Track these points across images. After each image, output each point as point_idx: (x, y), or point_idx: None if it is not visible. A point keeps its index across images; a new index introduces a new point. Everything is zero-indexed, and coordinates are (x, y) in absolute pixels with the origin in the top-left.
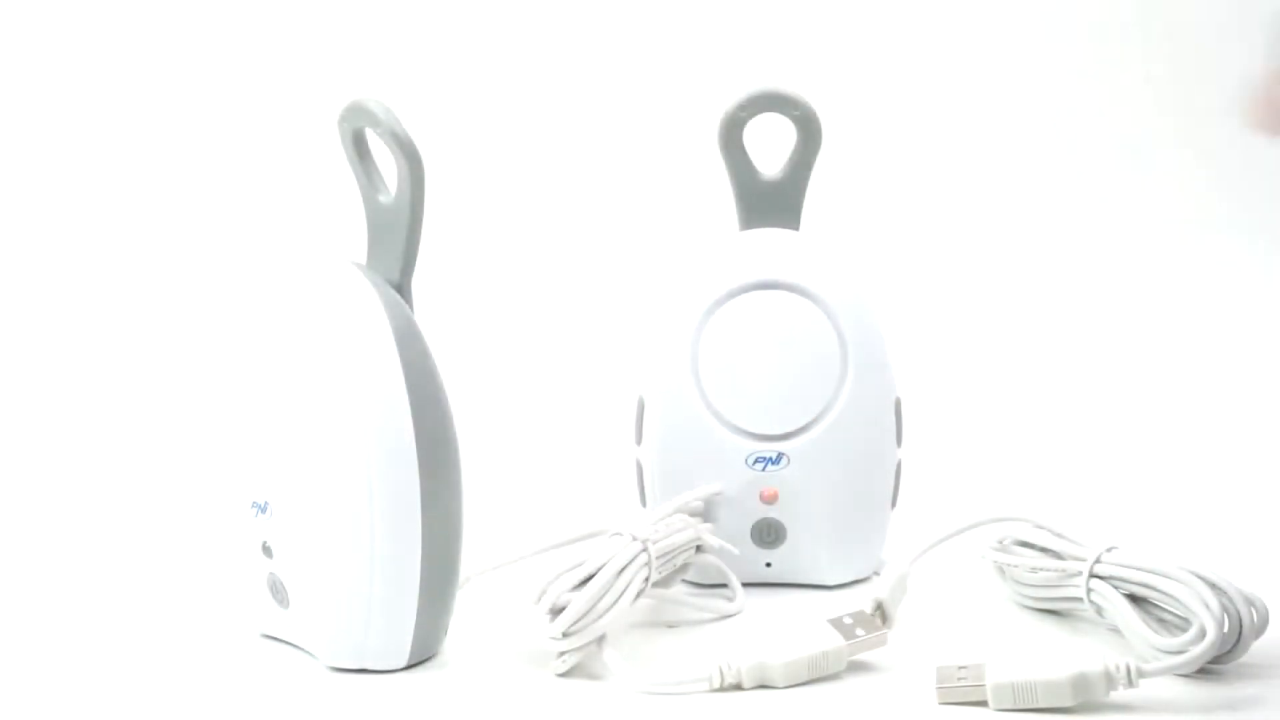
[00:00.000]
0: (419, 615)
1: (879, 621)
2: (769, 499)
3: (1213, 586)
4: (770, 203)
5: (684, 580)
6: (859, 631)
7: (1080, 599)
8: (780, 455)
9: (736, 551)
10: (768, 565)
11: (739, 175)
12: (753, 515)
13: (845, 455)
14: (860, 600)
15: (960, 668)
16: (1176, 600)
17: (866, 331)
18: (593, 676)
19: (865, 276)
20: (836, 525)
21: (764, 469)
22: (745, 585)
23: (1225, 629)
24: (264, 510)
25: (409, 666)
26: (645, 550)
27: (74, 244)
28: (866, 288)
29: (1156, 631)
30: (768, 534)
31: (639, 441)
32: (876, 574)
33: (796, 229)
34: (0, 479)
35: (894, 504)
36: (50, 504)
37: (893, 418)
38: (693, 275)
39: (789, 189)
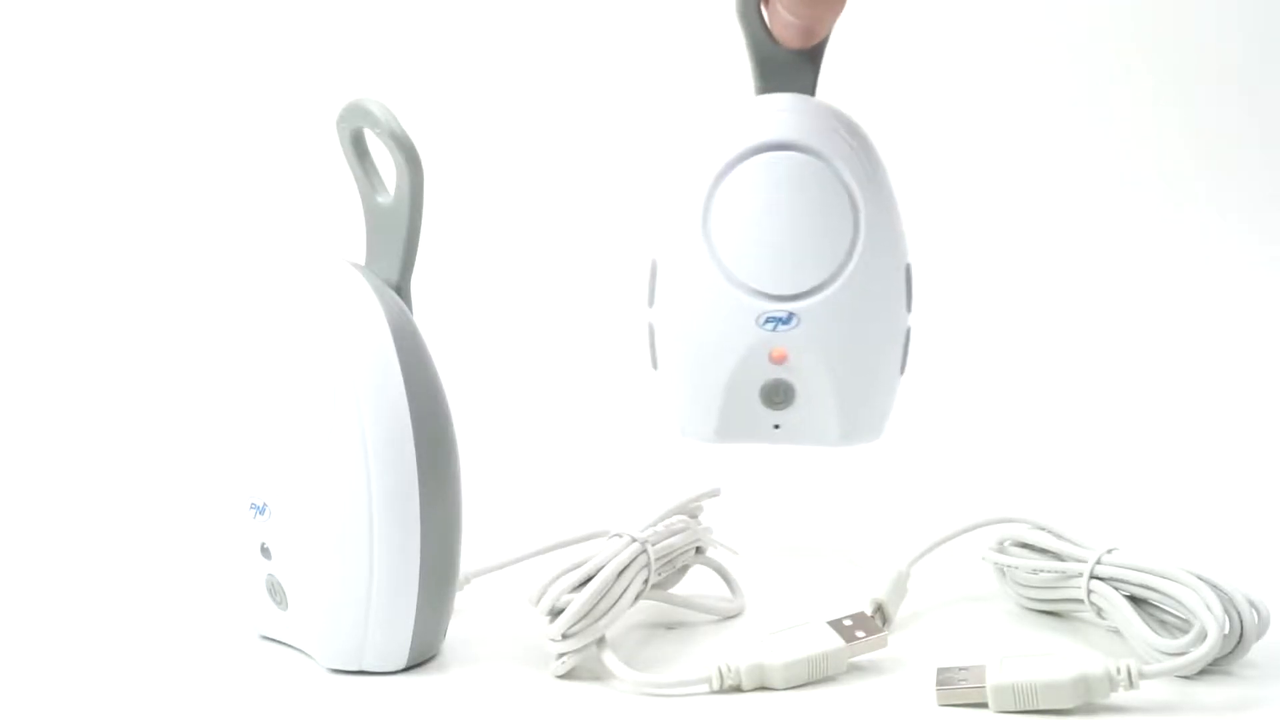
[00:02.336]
0: (418, 617)
1: (879, 623)
2: (779, 359)
3: (1214, 588)
4: (787, 69)
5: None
6: (859, 633)
7: (1081, 600)
8: (791, 315)
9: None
10: (776, 427)
11: (756, 41)
12: (763, 375)
13: (856, 317)
14: (860, 602)
15: (960, 669)
16: (1177, 602)
17: (879, 194)
18: (592, 678)
19: (879, 140)
20: (845, 387)
21: (774, 329)
22: (753, 445)
23: (1227, 630)
24: (262, 512)
25: (408, 668)
26: (645, 551)
27: (73, 244)
28: (879, 151)
29: (1157, 633)
30: (777, 395)
31: (650, 303)
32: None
33: (813, 95)
34: None
35: (903, 370)
36: (49, 505)
37: (903, 282)
38: (706, 137)
39: (805, 54)
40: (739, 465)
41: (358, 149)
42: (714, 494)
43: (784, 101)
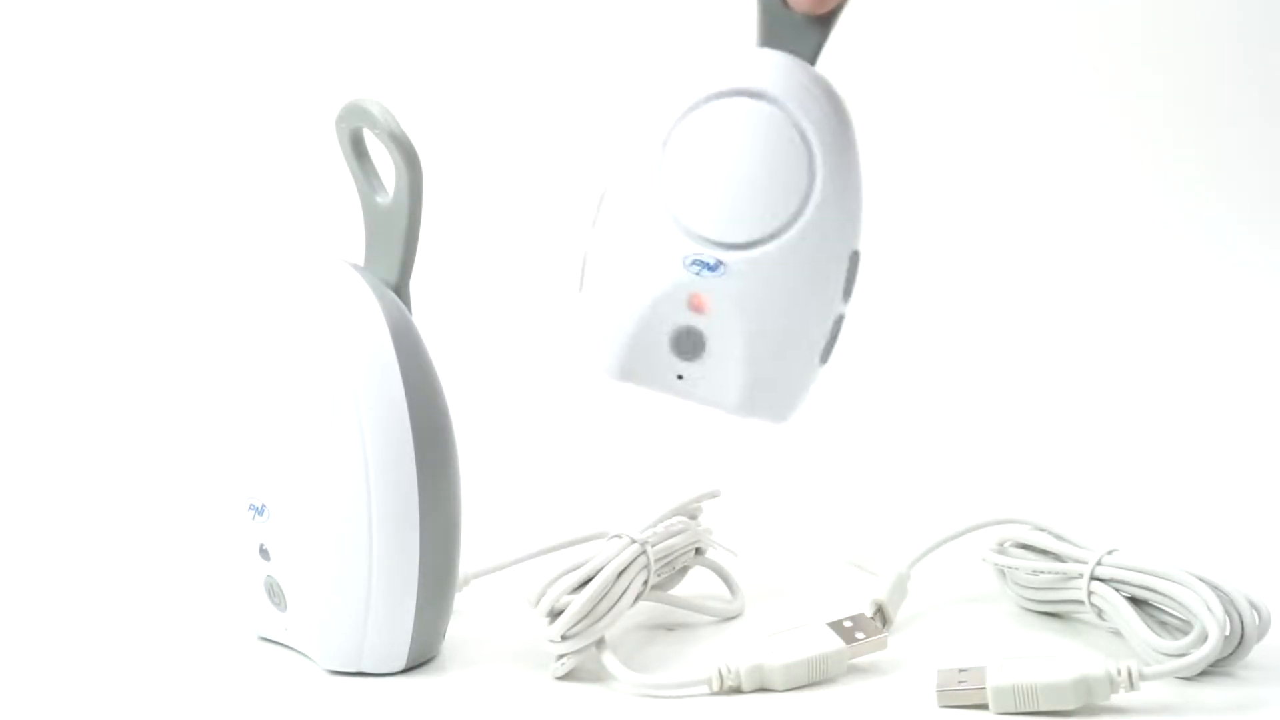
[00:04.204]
0: (417, 618)
1: (879, 624)
2: (697, 307)
3: (1215, 589)
4: (791, 34)
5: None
6: (859, 634)
7: (1081, 601)
8: (719, 263)
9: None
10: (679, 378)
11: (766, 3)
12: (677, 321)
13: (785, 284)
14: (860, 603)
15: (961, 670)
16: (1178, 603)
17: (842, 172)
18: (592, 679)
19: (871, 123)
20: (757, 355)
21: (699, 273)
22: (647, 391)
23: (1227, 632)
24: (261, 513)
25: (407, 670)
26: (644, 553)
27: (71, 244)
28: (855, 132)
29: (1158, 634)
30: (687, 344)
31: (592, 226)
32: (783, 421)
33: (812, 63)
34: None
35: (825, 359)
36: (47, 506)
37: (846, 266)
38: (684, 77)
39: (814, 22)
40: (739, 466)
41: (356, 149)
42: (713, 495)
43: (773, 57)
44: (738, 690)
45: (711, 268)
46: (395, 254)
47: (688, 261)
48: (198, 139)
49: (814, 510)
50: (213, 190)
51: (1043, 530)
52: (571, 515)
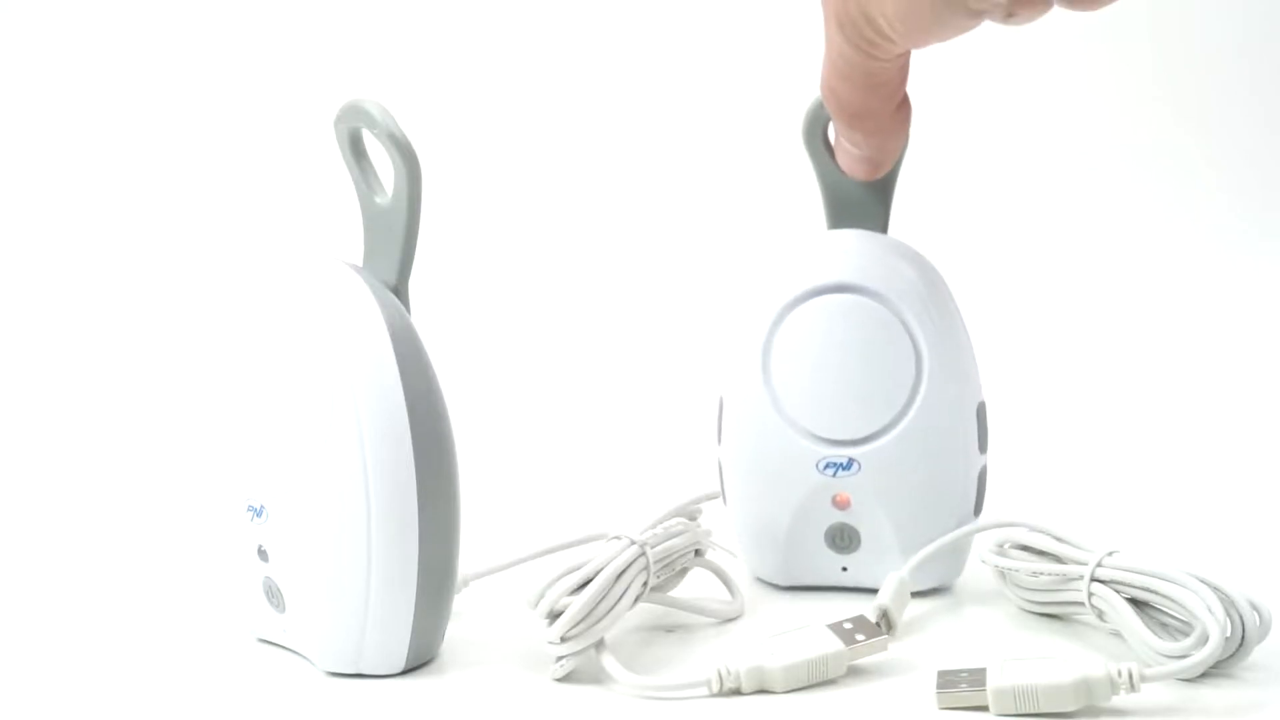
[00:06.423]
0: (416, 619)
1: (880, 627)
2: (841, 505)
3: (1215, 590)
4: (857, 203)
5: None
6: (859, 636)
7: (1082, 603)
8: (850, 461)
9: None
10: (844, 570)
11: (824, 174)
12: (826, 520)
13: (918, 462)
14: (861, 605)
15: (961, 672)
16: (1179, 604)
17: (946, 337)
18: (591, 681)
19: (949, 277)
20: (910, 532)
21: (834, 475)
22: (824, 590)
23: (1228, 633)
24: (259, 514)
25: (406, 671)
26: (644, 554)
27: (70, 245)
28: (947, 289)
29: (1159, 636)
30: (841, 539)
31: (719, 441)
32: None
33: (884, 230)
34: None
35: (977, 511)
36: (45, 507)
37: (973, 423)
38: (770, 274)
39: (875, 188)
40: None
41: (355, 150)
42: (713, 496)
43: (848, 240)
44: (737, 692)
45: (845, 467)
46: (394, 255)
47: (820, 466)
48: (197, 140)
49: None
50: (212, 191)
51: (1042, 532)
52: (571, 516)
